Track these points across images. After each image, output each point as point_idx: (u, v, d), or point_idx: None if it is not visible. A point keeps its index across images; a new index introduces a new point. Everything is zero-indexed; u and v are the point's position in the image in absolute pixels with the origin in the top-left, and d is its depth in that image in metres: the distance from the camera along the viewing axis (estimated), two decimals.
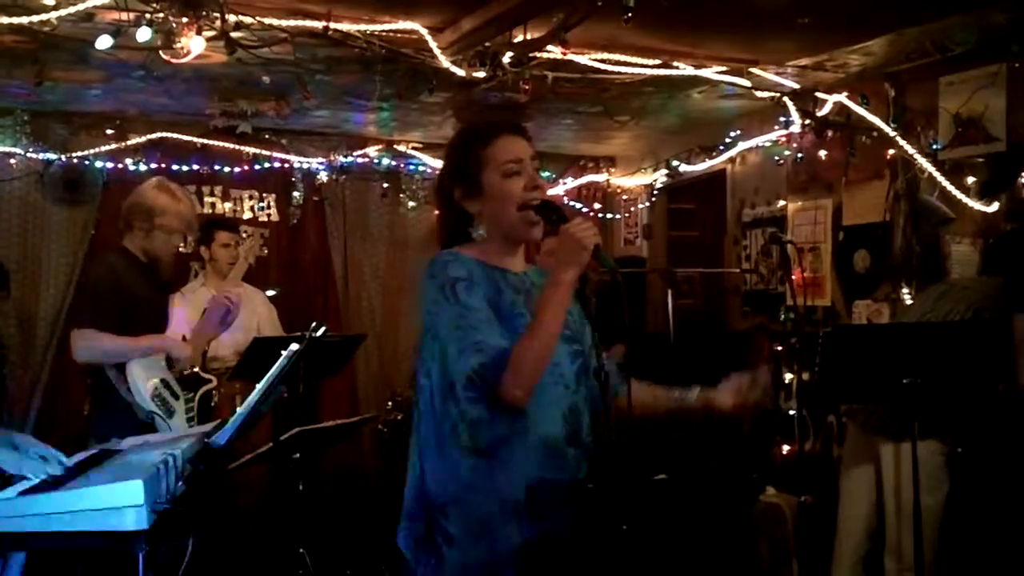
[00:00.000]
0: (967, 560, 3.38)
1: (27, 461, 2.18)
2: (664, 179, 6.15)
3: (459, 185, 1.96)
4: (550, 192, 4.25)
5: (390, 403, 5.20)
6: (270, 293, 3.67)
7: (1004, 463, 3.38)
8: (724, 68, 4.37)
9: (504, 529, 1.82)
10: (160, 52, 3.51)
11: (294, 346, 2.60)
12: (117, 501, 1.91)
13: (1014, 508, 3.32)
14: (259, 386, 2.50)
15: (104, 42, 3.35)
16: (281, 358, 2.55)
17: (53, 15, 3.29)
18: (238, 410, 2.58)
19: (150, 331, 3.42)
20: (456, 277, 1.85)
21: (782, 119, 4.91)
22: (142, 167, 5.41)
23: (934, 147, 4.19)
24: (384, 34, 3.71)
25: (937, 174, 4.15)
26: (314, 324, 2.97)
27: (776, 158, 5.13)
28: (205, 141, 5.54)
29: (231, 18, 3.31)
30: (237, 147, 5.61)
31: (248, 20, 3.39)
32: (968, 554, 3.38)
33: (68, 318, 5.28)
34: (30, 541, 2.00)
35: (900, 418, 3.10)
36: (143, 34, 3.22)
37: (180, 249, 3.56)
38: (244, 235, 3.97)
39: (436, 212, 7.10)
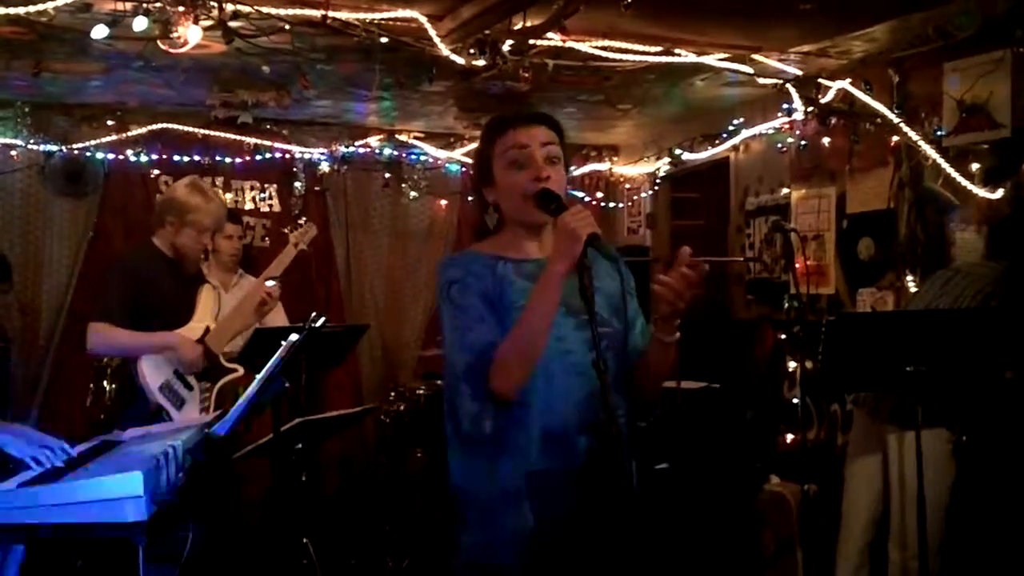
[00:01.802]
0: (972, 549, 3.37)
1: (32, 448, 2.19)
2: (667, 168, 6.12)
3: (478, 175, 2.06)
4: None
5: (392, 394, 5.20)
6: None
7: (1010, 452, 3.36)
8: (726, 55, 4.33)
9: (505, 517, 1.87)
10: (158, 42, 3.48)
11: (294, 337, 2.60)
12: (117, 492, 1.92)
13: (1020, 497, 3.30)
14: (259, 376, 2.50)
15: (100, 32, 3.34)
16: (280, 348, 2.55)
17: (50, 5, 3.28)
18: (239, 400, 2.59)
19: (170, 324, 3.46)
20: (451, 280, 1.94)
21: (785, 106, 4.87)
22: (143, 158, 5.41)
23: (938, 134, 4.15)
24: (383, 22, 3.68)
25: (941, 161, 4.12)
26: (314, 315, 2.97)
27: (779, 146, 5.09)
28: (206, 132, 5.52)
29: (228, 7, 3.29)
30: (238, 138, 5.59)
31: (246, 9, 3.37)
32: (974, 543, 3.37)
33: (71, 309, 5.31)
34: (29, 532, 2.00)
35: (909, 406, 3.09)
36: (140, 23, 3.22)
37: (207, 245, 3.67)
38: (301, 222, 4.07)
39: (439, 202, 6.98)
